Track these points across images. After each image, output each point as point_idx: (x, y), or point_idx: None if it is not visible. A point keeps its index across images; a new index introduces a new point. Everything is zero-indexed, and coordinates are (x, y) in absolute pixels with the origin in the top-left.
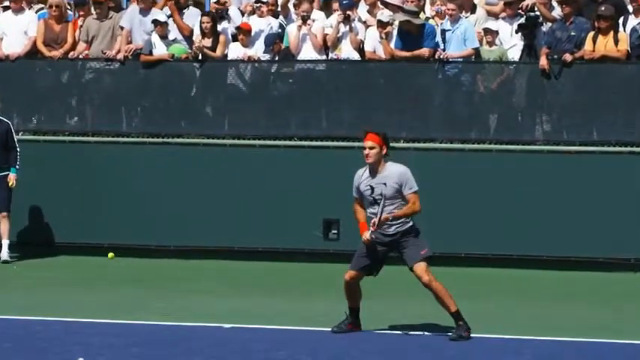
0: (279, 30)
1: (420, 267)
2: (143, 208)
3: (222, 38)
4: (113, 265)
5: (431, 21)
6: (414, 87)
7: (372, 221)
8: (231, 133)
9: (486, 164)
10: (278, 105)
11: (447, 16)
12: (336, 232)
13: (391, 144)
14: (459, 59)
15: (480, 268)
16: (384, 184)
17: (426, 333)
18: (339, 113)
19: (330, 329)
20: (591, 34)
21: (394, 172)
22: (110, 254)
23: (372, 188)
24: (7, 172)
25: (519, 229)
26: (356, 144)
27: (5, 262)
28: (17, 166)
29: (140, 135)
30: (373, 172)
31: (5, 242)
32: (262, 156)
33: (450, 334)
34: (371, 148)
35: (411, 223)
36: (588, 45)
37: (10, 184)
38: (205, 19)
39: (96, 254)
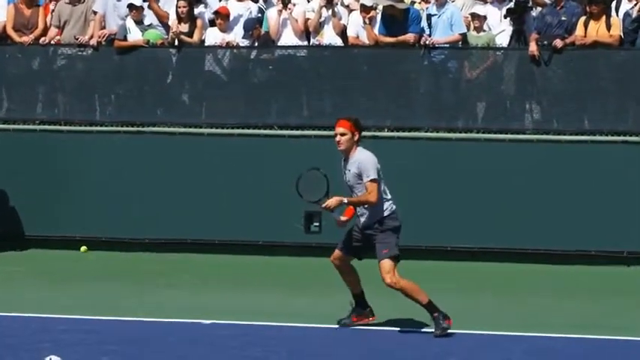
0: (259, 14)
1: (383, 267)
2: (117, 199)
3: (199, 23)
4: (86, 259)
5: (416, 5)
6: (398, 74)
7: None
8: (208, 121)
9: (474, 154)
10: (257, 92)
11: (432, 1)
12: (317, 224)
13: (375, 133)
14: (445, 45)
15: (467, 262)
16: (350, 170)
17: (409, 329)
18: (320, 101)
19: (311, 325)
20: (583, 18)
21: (357, 158)
22: (83, 247)
23: (344, 175)
24: None
25: (508, 221)
26: None
27: None
28: None
29: (114, 124)
30: (345, 159)
31: None
32: (241, 145)
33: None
34: (342, 134)
35: (382, 216)
36: (580, 30)
37: None
38: (182, 3)
39: (68, 247)
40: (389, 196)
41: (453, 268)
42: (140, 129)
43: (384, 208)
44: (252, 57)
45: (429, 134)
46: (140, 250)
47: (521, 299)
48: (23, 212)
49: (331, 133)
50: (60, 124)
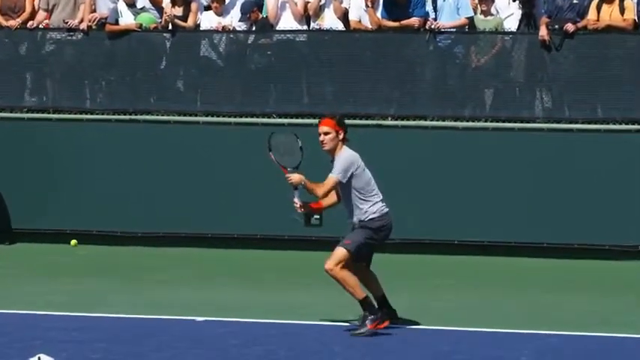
0: None
1: (334, 253)
2: (109, 191)
3: (194, 6)
4: (76, 254)
5: None
6: (402, 60)
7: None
8: (204, 109)
9: (482, 143)
10: (255, 79)
11: None
12: (318, 217)
13: (378, 122)
14: (451, 29)
15: (475, 257)
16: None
17: (407, 326)
18: (321, 88)
19: (313, 322)
20: (595, 1)
21: (337, 157)
22: (73, 241)
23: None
24: None
25: (518, 214)
26: None
27: None
28: None
29: (105, 112)
30: (332, 160)
31: None
32: (238, 134)
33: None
34: (325, 133)
35: (368, 217)
36: (592, 14)
37: None
38: None
39: (57, 241)
40: (378, 198)
41: (460, 263)
42: (133, 117)
43: (372, 211)
44: (249, 42)
45: (434, 123)
46: (133, 244)
47: (532, 295)
48: (10, 204)
49: None
50: (49, 112)
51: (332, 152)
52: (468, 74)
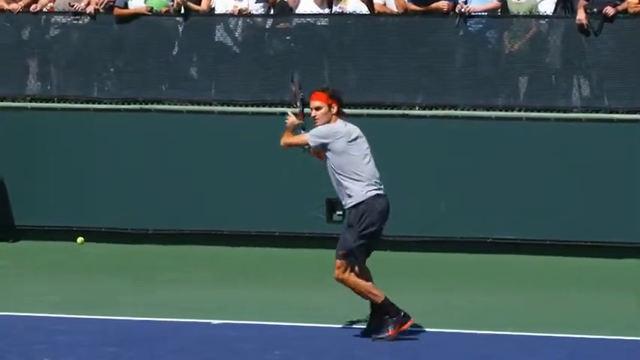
0: None
1: (336, 263)
2: (118, 185)
3: None
4: (83, 252)
5: None
6: (430, 45)
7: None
8: (219, 98)
9: (515, 134)
10: (273, 66)
11: None
12: (340, 213)
13: (405, 111)
14: (482, 13)
15: (508, 255)
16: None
17: (433, 329)
18: (344, 75)
19: (332, 326)
20: None
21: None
22: (79, 239)
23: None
24: None
25: (554, 209)
26: (364, 111)
27: None
28: None
29: (114, 101)
30: None
31: None
32: (256, 125)
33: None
34: (317, 108)
35: (352, 203)
36: None
37: None
38: None
39: (62, 239)
40: (365, 181)
41: (492, 262)
42: (143, 107)
43: (356, 192)
44: (267, 26)
45: (465, 112)
46: (143, 242)
47: (566, 296)
48: (13, 200)
49: (357, 111)
50: (53, 102)
51: None
52: (500, 61)
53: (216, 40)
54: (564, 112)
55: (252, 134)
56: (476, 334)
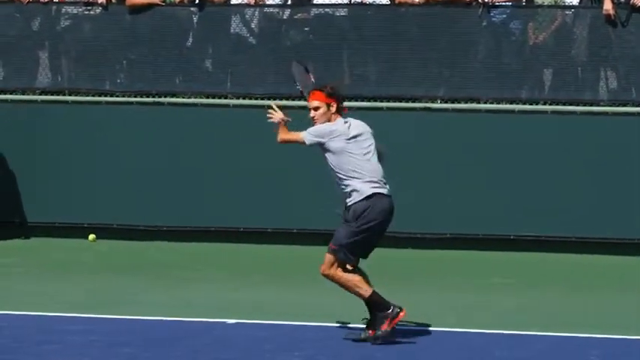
0: None
1: (326, 256)
2: (130, 181)
3: None
4: (95, 249)
5: None
6: (453, 36)
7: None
8: (234, 91)
9: (540, 128)
10: (291, 58)
11: None
12: None
13: (427, 104)
14: (506, 3)
15: (532, 253)
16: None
17: (460, 329)
18: (363, 67)
19: (354, 326)
20: None
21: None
22: (91, 236)
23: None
24: None
25: (580, 206)
26: (384, 104)
27: None
28: None
29: (126, 94)
30: None
31: None
32: None
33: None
34: (316, 108)
35: (353, 201)
36: None
37: None
38: None
39: (73, 236)
40: (364, 179)
41: (516, 260)
42: (156, 99)
43: (356, 190)
44: (284, 17)
45: (488, 106)
46: (157, 239)
47: (595, 295)
48: (23, 196)
49: (377, 104)
50: (64, 94)
51: None
52: (524, 52)
53: (232, 31)
54: (590, 105)
55: (269, 128)
56: (504, 334)
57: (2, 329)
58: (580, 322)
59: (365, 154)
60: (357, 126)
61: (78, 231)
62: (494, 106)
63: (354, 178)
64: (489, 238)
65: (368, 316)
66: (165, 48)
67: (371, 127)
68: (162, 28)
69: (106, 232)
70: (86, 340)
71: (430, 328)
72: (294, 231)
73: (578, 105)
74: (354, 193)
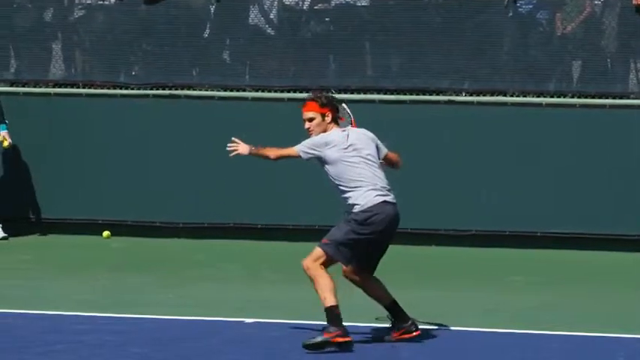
0: None
1: (314, 250)
2: (146, 176)
3: None
4: (109, 247)
5: None
6: (478, 27)
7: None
8: (253, 83)
9: (568, 122)
10: (311, 49)
11: None
12: None
13: (451, 97)
14: None
15: (558, 250)
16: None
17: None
18: (385, 59)
19: (376, 325)
20: None
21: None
22: (105, 233)
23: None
24: None
25: (610, 203)
26: (407, 97)
27: (4, 238)
28: (7, 121)
29: (142, 87)
30: None
31: None
32: (292, 112)
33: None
34: (310, 119)
35: (354, 210)
36: None
37: (5, 144)
38: None
39: (87, 233)
40: (366, 188)
41: (542, 257)
42: (172, 92)
43: (356, 200)
44: (304, 7)
45: (514, 99)
46: (173, 236)
47: (622, 294)
48: (36, 191)
49: (400, 97)
50: (78, 87)
51: None
52: (552, 43)
53: (251, 21)
54: (620, 98)
55: (288, 122)
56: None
57: (13, 328)
58: (606, 321)
59: (366, 162)
60: (356, 134)
61: (92, 227)
62: (521, 99)
63: (355, 188)
64: (515, 235)
65: (392, 317)
66: (182, 39)
67: (393, 121)
68: (178, 18)
69: (120, 229)
70: (98, 340)
71: (452, 328)
72: (316, 227)
73: (607, 98)
74: (356, 204)
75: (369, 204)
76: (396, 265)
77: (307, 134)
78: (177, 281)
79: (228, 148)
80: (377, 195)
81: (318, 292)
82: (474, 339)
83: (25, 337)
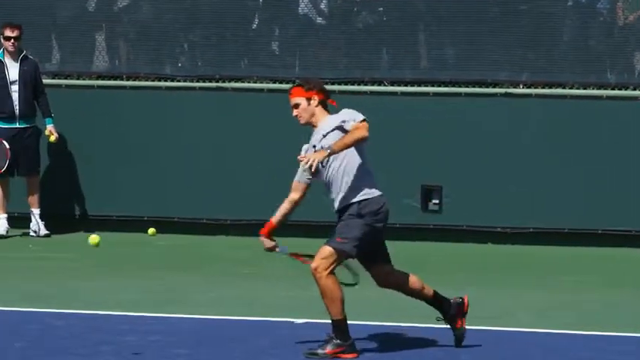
0: None
1: (324, 250)
2: (192, 171)
3: None
4: (154, 244)
5: None
6: (536, 17)
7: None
8: (303, 75)
9: (630, 114)
10: (363, 40)
11: None
12: (437, 202)
13: (508, 89)
14: None
15: (620, 248)
16: (323, 135)
17: (543, 330)
18: (441, 50)
19: (425, 325)
20: None
21: (334, 117)
22: (151, 230)
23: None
24: (34, 124)
25: None
26: (463, 89)
27: (46, 235)
28: (52, 115)
29: (188, 79)
30: (313, 132)
31: (37, 212)
32: (343, 104)
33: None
34: (296, 105)
35: (363, 198)
36: None
37: (51, 138)
38: None
39: (132, 230)
40: (371, 176)
41: (603, 256)
42: (220, 85)
43: (367, 190)
44: None
45: (573, 91)
46: (221, 234)
47: None
48: (80, 187)
49: (455, 90)
50: (122, 79)
51: (312, 123)
52: (613, 34)
53: (300, 11)
54: None
55: None
56: (590, 334)
57: (57, 328)
58: None
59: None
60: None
61: (136, 224)
62: (581, 91)
63: (366, 177)
64: (575, 232)
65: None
66: (229, 29)
67: (449, 113)
68: (226, 8)
69: (166, 226)
70: (141, 340)
71: (509, 328)
72: None
73: None
74: (366, 189)
75: (375, 194)
76: (451, 263)
77: (298, 123)
78: (224, 280)
79: (300, 162)
80: (376, 186)
81: (325, 302)
82: (533, 339)
83: (69, 337)
